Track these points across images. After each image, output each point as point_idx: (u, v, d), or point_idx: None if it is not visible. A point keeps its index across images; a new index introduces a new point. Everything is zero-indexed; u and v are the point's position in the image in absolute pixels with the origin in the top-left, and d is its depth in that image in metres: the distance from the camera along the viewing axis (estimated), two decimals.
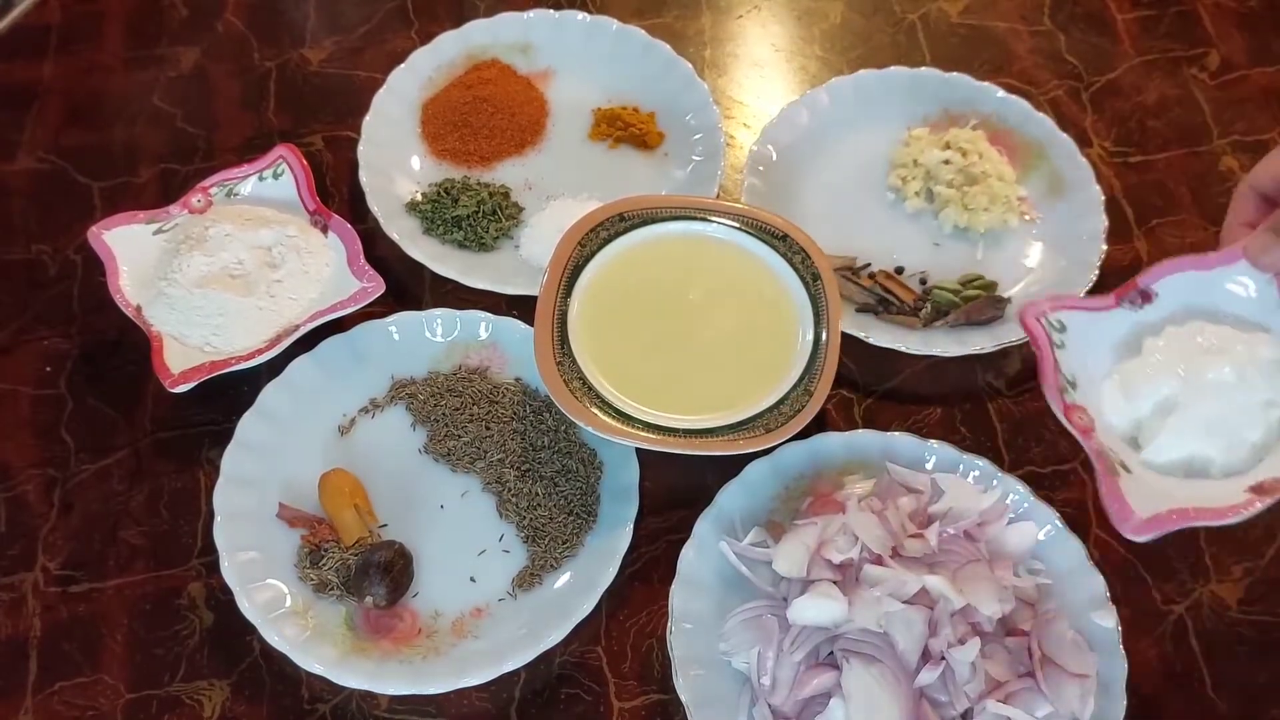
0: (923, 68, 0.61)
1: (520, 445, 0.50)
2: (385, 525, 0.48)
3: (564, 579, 0.46)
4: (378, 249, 0.55)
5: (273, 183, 0.55)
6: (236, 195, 0.55)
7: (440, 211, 0.56)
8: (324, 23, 0.66)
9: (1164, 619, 0.46)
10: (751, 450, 0.45)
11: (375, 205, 0.55)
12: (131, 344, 0.52)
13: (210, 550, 0.46)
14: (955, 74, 0.60)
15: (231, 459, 0.48)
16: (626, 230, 0.50)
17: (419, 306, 0.54)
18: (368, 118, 0.58)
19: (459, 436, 0.50)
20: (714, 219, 0.51)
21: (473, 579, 0.47)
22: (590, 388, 0.46)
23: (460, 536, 0.48)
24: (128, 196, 0.59)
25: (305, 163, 0.56)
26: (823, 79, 0.61)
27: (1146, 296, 0.43)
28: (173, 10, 0.66)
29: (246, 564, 0.46)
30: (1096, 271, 0.53)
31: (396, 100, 0.60)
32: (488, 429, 0.50)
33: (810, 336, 0.48)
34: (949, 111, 0.60)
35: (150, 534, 0.49)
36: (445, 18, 0.65)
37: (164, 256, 0.52)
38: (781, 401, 0.46)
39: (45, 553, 0.48)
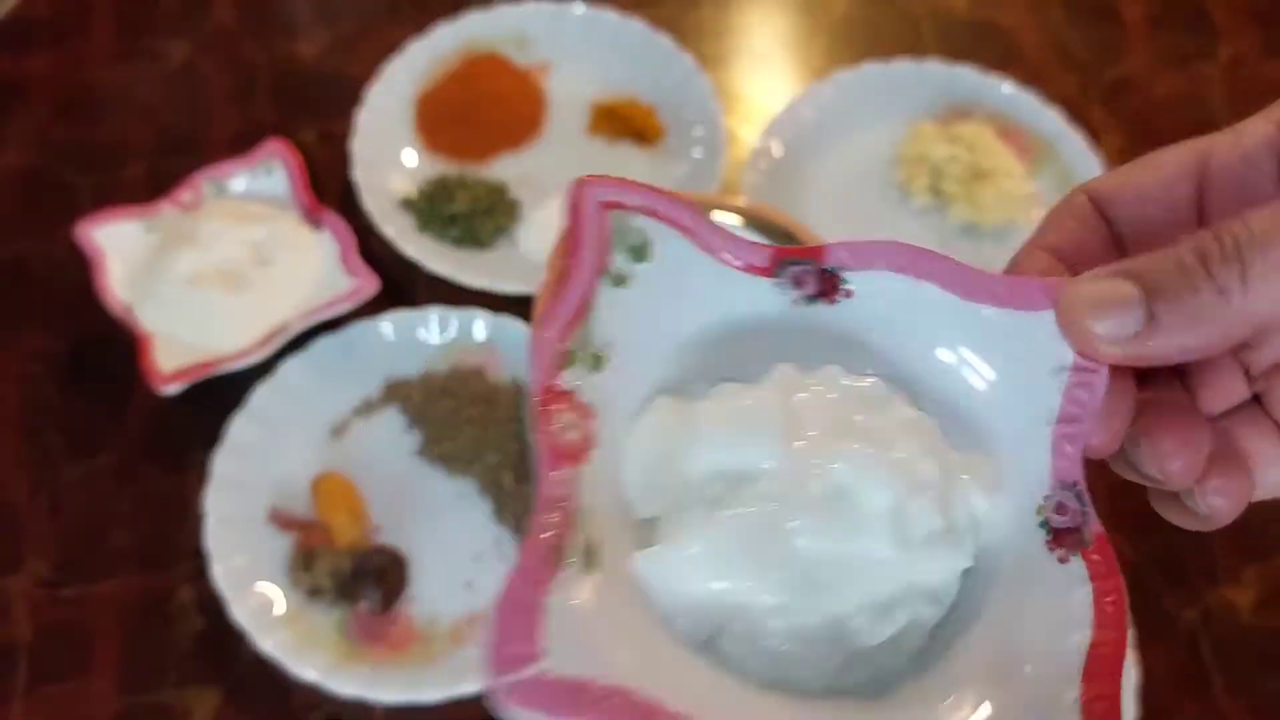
0: (929, 61, 0.59)
1: (518, 448, 0.49)
2: (379, 529, 0.47)
3: None
4: (372, 246, 0.54)
5: (265, 178, 0.54)
6: (227, 191, 0.54)
7: (435, 208, 0.55)
8: (317, 15, 0.65)
9: (1175, 626, 0.46)
10: None
11: (369, 202, 0.54)
12: (121, 343, 0.52)
13: (200, 554, 0.45)
14: (962, 68, 0.59)
15: (222, 461, 0.47)
16: None
17: (414, 305, 0.53)
18: (361, 112, 0.57)
19: (455, 439, 0.49)
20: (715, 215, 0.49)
21: (469, 584, 0.46)
22: None
23: (456, 541, 0.47)
24: (117, 193, 0.57)
25: (298, 158, 0.55)
26: (827, 72, 0.60)
27: (832, 286, 0.21)
28: (162, 3, 0.65)
29: (237, 568, 0.45)
30: None
31: (390, 94, 0.58)
32: (485, 431, 0.49)
33: None
34: (955, 106, 0.59)
35: (140, 536, 0.48)
36: (440, 9, 0.64)
37: (154, 254, 0.51)
38: None
39: (33, 555, 0.47)
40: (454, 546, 0.47)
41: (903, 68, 0.59)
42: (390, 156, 0.57)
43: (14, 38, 0.63)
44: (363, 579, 0.44)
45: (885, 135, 0.58)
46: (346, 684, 0.42)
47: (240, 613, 0.43)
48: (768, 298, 0.21)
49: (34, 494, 0.49)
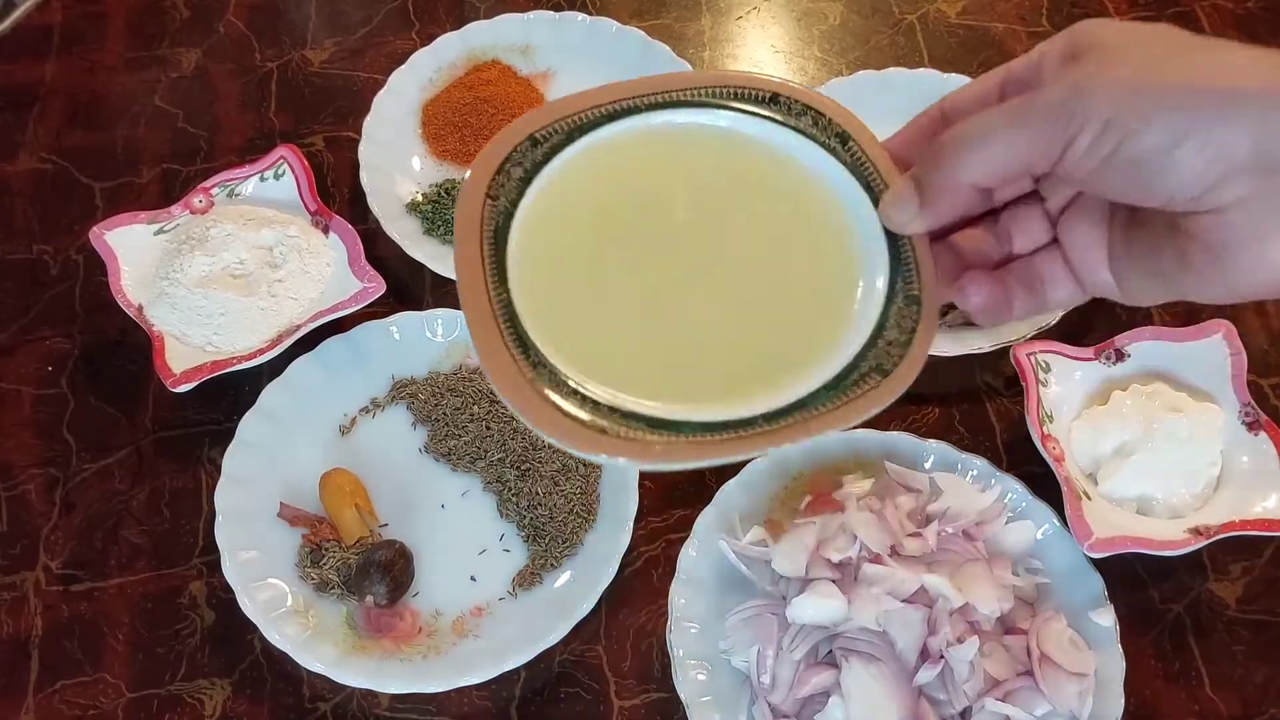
0: (921, 69, 0.61)
1: (521, 444, 0.50)
2: (386, 525, 0.48)
3: (564, 578, 0.46)
4: (378, 249, 0.55)
5: (274, 183, 0.56)
6: (238, 195, 0.55)
7: (441, 212, 0.56)
8: (325, 24, 0.66)
9: (1162, 618, 0.47)
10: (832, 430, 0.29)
11: (376, 206, 0.55)
12: (133, 344, 0.53)
13: (211, 549, 0.46)
14: (954, 75, 0.60)
15: (233, 459, 0.48)
16: (556, 150, 0.31)
17: (420, 307, 0.54)
18: (368, 118, 0.58)
19: (459, 436, 0.50)
20: (697, 108, 0.32)
21: (473, 578, 0.47)
22: (584, 398, 0.28)
23: (461, 536, 0.48)
24: (129, 197, 0.59)
25: (306, 163, 0.56)
26: (821, 80, 0.61)
27: (1120, 355, 0.50)
28: (174, 11, 0.66)
29: (248, 563, 0.46)
30: None
31: (397, 101, 0.60)
32: (488, 428, 0.50)
33: (881, 261, 0.30)
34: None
35: (151, 533, 0.49)
36: (446, 19, 0.65)
37: (165, 256, 0.53)
38: (855, 367, 0.30)
39: (47, 552, 0.48)
40: (458, 541, 0.48)
41: (895, 75, 0.60)
42: (397, 162, 0.58)
43: (29, 45, 0.65)
44: (369, 573, 0.44)
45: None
46: (354, 675, 0.43)
47: (250, 606, 0.44)
48: (1095, 367, 0.50)
49: (48, 491, 0.50)
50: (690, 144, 0.32)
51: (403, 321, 0.52)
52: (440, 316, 0.52)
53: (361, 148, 0.57)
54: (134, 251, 0.53)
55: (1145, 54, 0.25)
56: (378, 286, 0.51)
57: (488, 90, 0.60)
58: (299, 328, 0.50)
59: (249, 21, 0.66)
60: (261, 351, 0.50)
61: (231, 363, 0.49)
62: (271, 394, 0.50)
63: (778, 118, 0.32)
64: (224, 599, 0.46)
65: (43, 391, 0.53)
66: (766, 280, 0.31)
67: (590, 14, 0.63)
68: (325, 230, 0.54)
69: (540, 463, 0.49)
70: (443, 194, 0.57)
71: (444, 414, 0.51)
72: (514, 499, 0.49)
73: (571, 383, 0.28)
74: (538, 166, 0.31)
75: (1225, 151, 0.23)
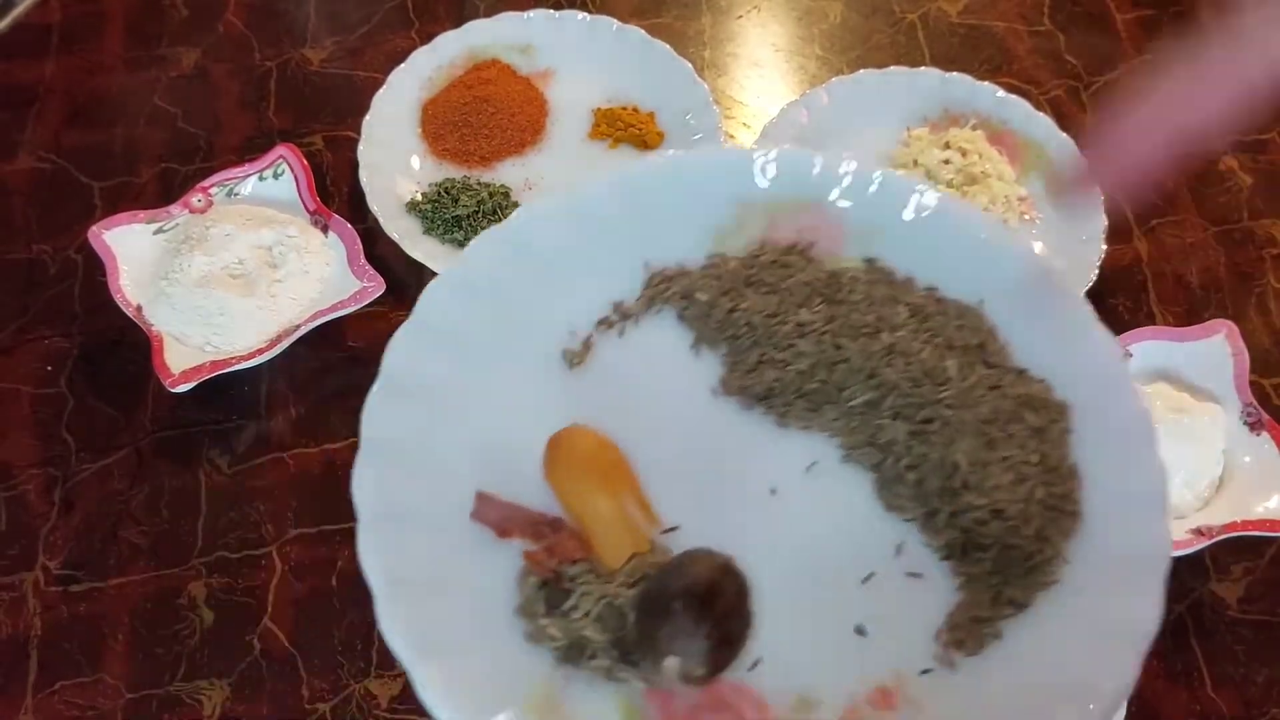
0: (922, 68, 0.61)
1: (908, 374, 0.27)
2: (675, 528, 0.27)
3: (1044, 629, 0.24)
4: (378, 248, 0.55)
5: (273, 183, 0.55)
6: (237, 195, 0.55)
7: (440, 211, 0.56)
8: (324, 23, 0.66)
9: (1165, 619, 0.46)
10: None
11: (375, 205, 0.55)
12: (132, 344, 0.53)
13: (210, 549, 0.46)
14: (955, 74, 0.60)
15: (378, 415, 0.26)
16: None
17: None
18: (368, 117, 0.58)
19: (784, 363, 0.29)
20: None
21: (860, 630, 0.25)
22: None
23: (819, 547, 0.26)
24: (128, 196, 0.59)
25: (305, 163, 0.56)
26: (822, 79, 0.61)
27: (1125, 355, 0.47)
28: (173, 10, 0.66)
29: (421, 618, 0.24)
30: (1096, 271, 0.53)
31: (397, 100, 0.60)
32: (837, 346, 0.28)
33: None
34: (949, 111, 0.60)
35: (151, 533, 0.49)
36: (445, 18, 0.65)
37: (164, 256, 0.52)
38: None
39: (46, 552, 0.48)
40: (816, 559, 0.26)
41: (896, 74, 0.60)
42: (396, 161, 0.58)
43: (27, 44, 0.64)
44: (670, 616, 0.23)
45: (880, 140, 0.59)
46: None
47: (435, 695, 0.23)
48: None
49: (47, 492, 0.50)
50: None
51: (675, 165, 0.29)
52: (747, 153, 0.29)
53: (361, 147, 0.57)
54: (133, 251, 0.52)
55: None
56: (377, 286, 0.51)
57: (488, 89, 0.60)
58: (298, 327, 0.50)
59: (248, 20, 0.66)
60: (260, 351, 0.50)
61: (230, 363, 0.49)
62: (442, 296, 0.28)
63: None
64: (223, 599, 0.46)
65: (41, 391, 0.53)
66: None
67: (591, 12, 0.63)
68: (324, 230, 0.54)
69: (953, 406, 0.26)
70: (442, 193, 0.57)
71: (747, 325, 0.29)
72: (909, 474, 0.27)
73: None
74: None
75: None
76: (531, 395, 0.28)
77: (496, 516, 0.26)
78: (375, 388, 0.27)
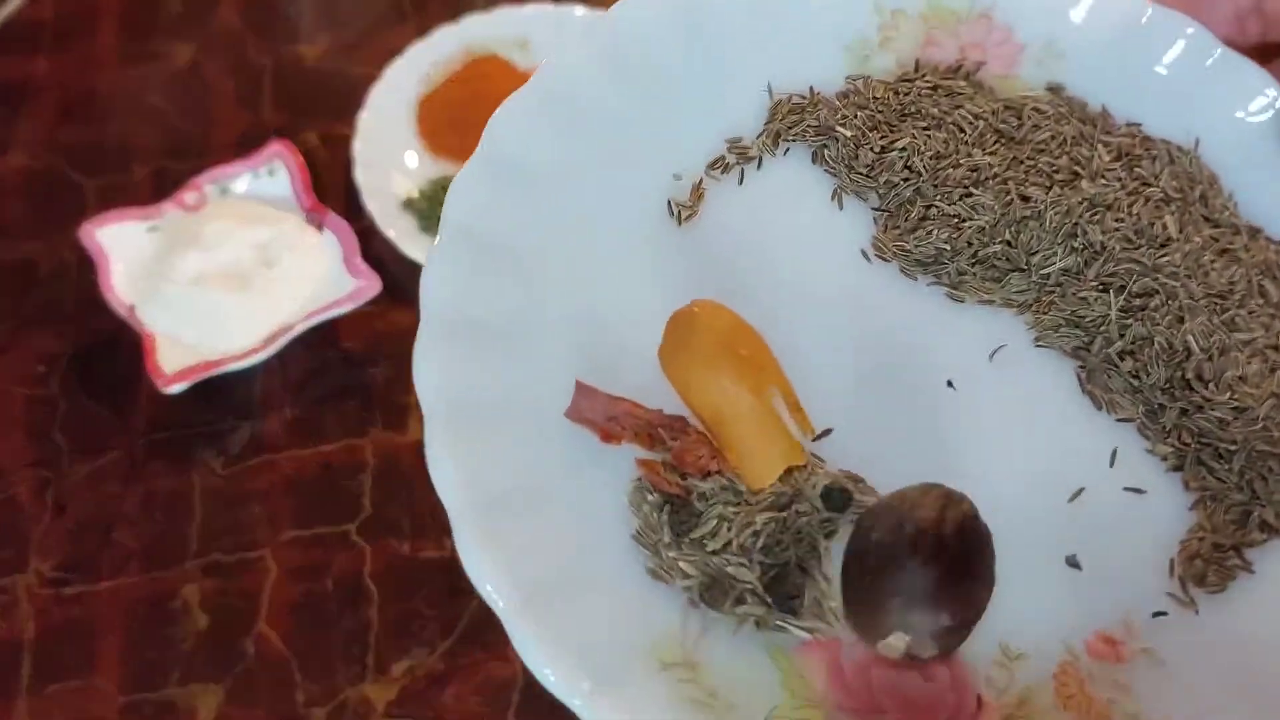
0: None
1: (1118, 233, 0.22)
2: (829, 432, 0.21)
3: None
4: (374, 247, 0.54)
5: (268, 180, 0.55)
6: (231, 192, 0.55)
7: (437, 209, 0.55)
8: (320, 18, 0.65)
9: None
10: None
11: (371, 203, 0.55)
12: (125, 343, 0.52)
13: (204, 552, 0.45)
14: None
15: (439, 282, 0.22)
16: None
17: (417, 306, 0.53)
18: (364, 114, 0.57)
19: (956, 219, 0.23)
20: None
21: (1072, 562, 0.21)
22: None
23: (1011, 459, 0.21)
24: (121, 194, 0.58)
25: (301, 159, 0.55)
26: None
27: None
28: (167, 6, 0.66)
29: (517, 540, 0.19)
30: None
31: (393, 96, 0.59)
32: (1025, 199, 0.22)
33: None
34: None
35: (144, 536, 0.48)
36: (441, 13, 0.64)
37: (158, 254, 0.52)
38: None
39: (38, 555, 0.48)
40: (1011, 475, 0.21)
41: None
42: (392, 158, 0.58)
43: (19, 40, 0.64)
44: (895, 587, 0.18)
45: None
46: None
47: (552, 668, 0.18)
48: None
49: (39, 493, 0.49)
50: None
51: None
52: None
53: (357, 144, 0.56)
54: (126, 249, 0.52)
55: None
56: (374, 285, 0.50)
57: (485, 85, 0.60)
58: (293, 327, 0.50)
59: (243, 16, 0.65)
60: (255, 351, 0.49)
61: (224, 363, 0.49)
62: (517, 122, 0.22)
63: None
64: (217, 602, 0.45)
65: (34, 392, 0.52)
66: None
67: (589, 5, 0.62)
68: (320, 227, 0.53)
69: (1176, 270, 0.21)
70: (439, 191, 0.56)
71: (906, 170, 0.23)
72: (1123, 363, 0.22)
73: None
74: None
75: None
76: (630, 258, 0.22)
77: (601, 414, 0.20)
78: (436, 244, 0.22)
